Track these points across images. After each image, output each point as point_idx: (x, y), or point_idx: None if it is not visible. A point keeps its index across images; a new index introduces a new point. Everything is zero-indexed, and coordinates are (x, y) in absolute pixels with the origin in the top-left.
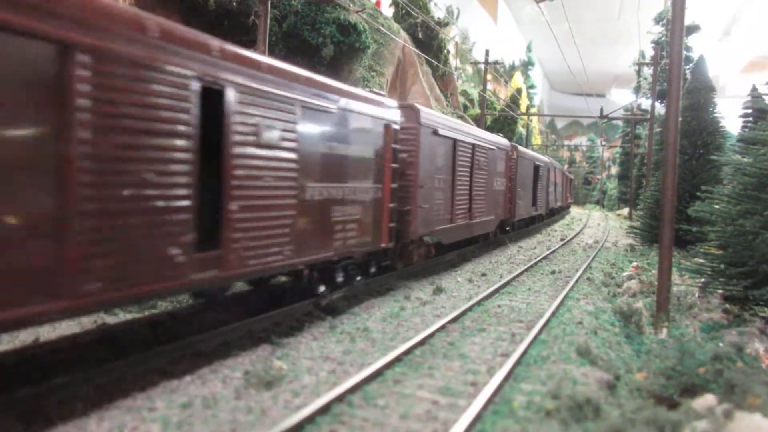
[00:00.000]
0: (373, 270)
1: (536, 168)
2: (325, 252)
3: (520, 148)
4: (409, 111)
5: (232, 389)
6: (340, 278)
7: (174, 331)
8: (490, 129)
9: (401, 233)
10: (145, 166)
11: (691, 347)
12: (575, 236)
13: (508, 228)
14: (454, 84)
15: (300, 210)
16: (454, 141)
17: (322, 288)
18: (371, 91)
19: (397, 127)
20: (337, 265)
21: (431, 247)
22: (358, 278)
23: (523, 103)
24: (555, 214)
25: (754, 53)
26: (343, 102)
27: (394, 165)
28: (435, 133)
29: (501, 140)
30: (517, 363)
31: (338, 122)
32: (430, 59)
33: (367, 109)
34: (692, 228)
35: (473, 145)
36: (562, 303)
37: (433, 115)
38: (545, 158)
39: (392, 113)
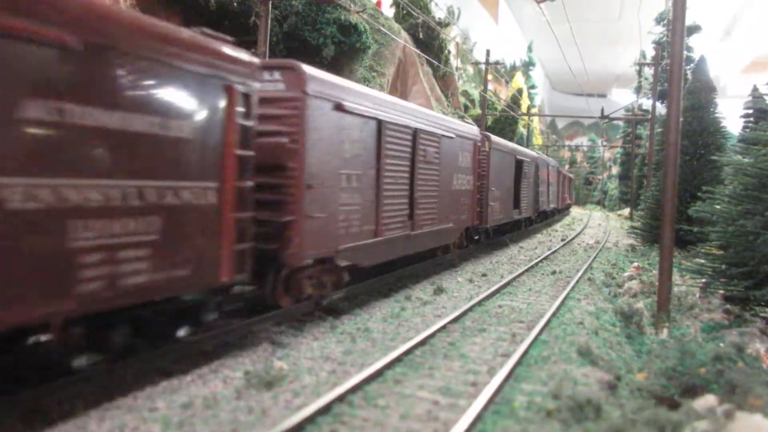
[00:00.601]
0: (212, 318)
1: (519, 163)
2: (51, 305)
3: (495, 138)
4: (289, 74)
5: (233, 389)
6: (119, 337)
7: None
8: (491, 129)
9: (278, 257)
10: None
11: (692, 347)
12: (576, 236)
13: (477, 237)
14: (455, 84)
15: None
16: (379, 122)
17: (82, 360)
18: (202, 32)
19: (245, 91)
20: (115, 320)
21: (343, 273)
22: (181, 332)
23: (524, 103)
24: (548, 217)
25: (755, 53)
26: (104, 34)
27: (245, 152)
28: (339, 108)
29: (466, 127)
30: (518, 363)
31: (88, 70)
32: (430, 59)
33: (172, 56)
34: (693, 228)
35: (415, 129)
36: (562, 303)
37: (334, 82)
38: (532, 152)
39: (240, 70)
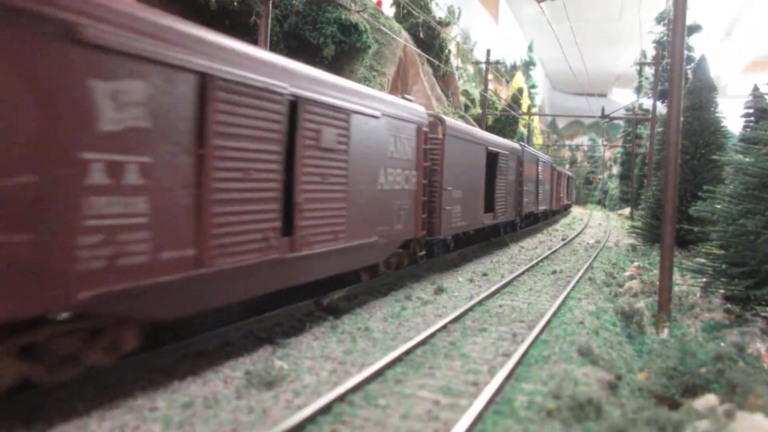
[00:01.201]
0: None
1: (492, 156)
2: None
3: (452, 122)
4: None
5: (234, 389)
6: None
7: (176, 331)
8: (491, 129)
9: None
10: None
11: (693, 347)
12: (576, 236)
13: (423, 252)
14: (455, 84)
15: None
16: (202, 77)
17: None
18: None
19: None
20: None
21: (126, 331)
22: None
23: (525, 102)
24: (539, 220)
25: (756, 53)
26: None
27: None
28: (75, 39)
29: (403, 105)
30: (519, 363)
31: None
32: (431, 59)
33: None
34: (694, 228)
35: (295, 98)
36: (563, 303)
37: None
38: (513, 144)
39: None
